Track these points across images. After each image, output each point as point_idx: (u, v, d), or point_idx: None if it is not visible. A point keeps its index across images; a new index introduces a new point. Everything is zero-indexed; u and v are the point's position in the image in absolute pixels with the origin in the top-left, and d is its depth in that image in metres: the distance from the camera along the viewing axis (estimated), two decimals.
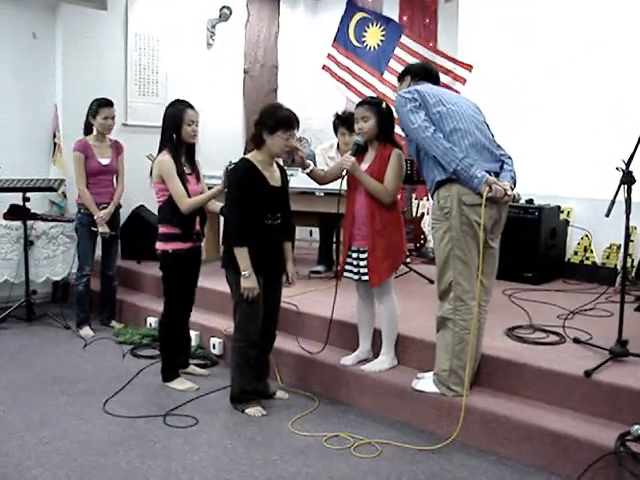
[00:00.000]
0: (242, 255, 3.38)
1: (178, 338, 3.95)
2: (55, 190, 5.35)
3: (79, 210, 4.96)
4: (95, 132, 4.91)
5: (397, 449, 3.19)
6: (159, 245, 3.81)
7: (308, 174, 3.71)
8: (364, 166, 3.60)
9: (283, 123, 3.40)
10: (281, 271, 3.66)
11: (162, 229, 3.81)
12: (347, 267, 3.70)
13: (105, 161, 4.93)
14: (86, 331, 4.96)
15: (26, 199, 5.11)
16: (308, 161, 3.70)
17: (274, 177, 3.53)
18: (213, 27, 6.93)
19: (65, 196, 5.81)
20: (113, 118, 4.92)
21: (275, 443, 3.23)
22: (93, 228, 4.86)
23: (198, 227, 3.89)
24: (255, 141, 3.50)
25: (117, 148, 5.05)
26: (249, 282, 3.40)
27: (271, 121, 3.40)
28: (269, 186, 3.48)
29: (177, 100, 3.87)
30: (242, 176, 3.43)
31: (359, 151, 3.60)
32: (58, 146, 5.85)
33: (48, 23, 5.87)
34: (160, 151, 3.79)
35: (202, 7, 6.83)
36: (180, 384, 3.90)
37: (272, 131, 3.40)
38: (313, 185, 4.03)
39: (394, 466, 3.03)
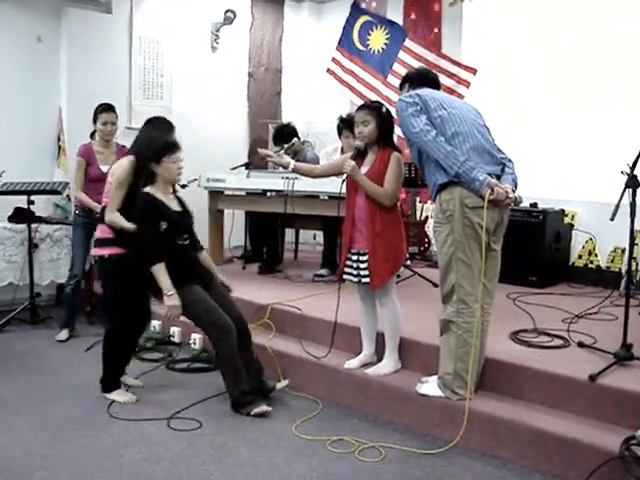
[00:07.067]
0: (160, 275, 3.47)
1: (122, 350, 3.84)
2: (59, 193, 5.35)
3: (75, 211, 4.98)
4: (97, 137, 4.91)
5: (401, 453, 3.18)
6: (94, 251, 3.78)
7: (294, 171, 3.83)
8: (364, 169, 3.61)
9: (163, 149, 3.52)
10: (210, 276, 3.76)
11: (98, 234, 3.75)
12: (347, 270, 3.70)
13: (106, 168, 4.88)
14: (62, 334, 4.92)
15: (30, 202, 5.13)
16: (286, 160, 3.82)
17: (174, 204, 3.65)
18: (217, 30, 6.95)
19: (69, 199, 5.80)
20: (113, 124, 4.86)
21: (279, 446, 3.23)
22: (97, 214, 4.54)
23: None
24: (147, 177, 3.58)
25: (122, 154, 5.00)
26: (172, 300, 3.48)
27: (151, 152, 3.52)
28: (172, 211, 3.59)
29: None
30: (142, 208, 3.53)
31: (359, 155, 3.63)
32: (62, 149, 5.87)
33: (53, 27, 5.89)
34: None
35: (206, 10, 6.84)
36: (120, 396, 3.77)
37: (157, 161, 3.51)
38: (317, 189, 4.05)
39: (398, 470, 3.02)
